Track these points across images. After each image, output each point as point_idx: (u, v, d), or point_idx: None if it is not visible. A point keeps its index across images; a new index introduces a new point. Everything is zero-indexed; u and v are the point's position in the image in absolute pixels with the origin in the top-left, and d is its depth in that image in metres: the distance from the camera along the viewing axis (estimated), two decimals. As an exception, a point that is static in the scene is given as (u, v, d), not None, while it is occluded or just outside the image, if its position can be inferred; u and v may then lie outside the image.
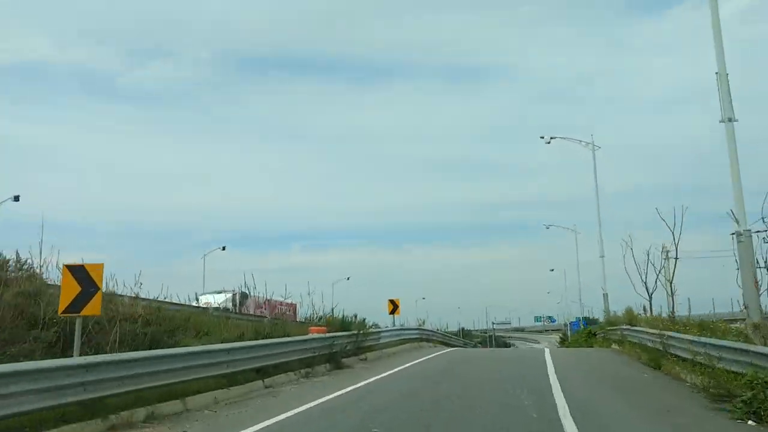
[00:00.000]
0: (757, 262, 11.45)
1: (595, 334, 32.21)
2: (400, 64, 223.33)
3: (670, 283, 18.57)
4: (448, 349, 26.81)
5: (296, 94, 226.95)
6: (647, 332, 17.30)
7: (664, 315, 18.95)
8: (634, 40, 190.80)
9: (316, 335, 16.19)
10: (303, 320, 20.95)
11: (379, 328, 23.25)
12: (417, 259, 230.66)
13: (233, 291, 23.87)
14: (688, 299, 20.16)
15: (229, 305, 23.15)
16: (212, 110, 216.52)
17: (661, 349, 14.59)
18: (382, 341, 21.42)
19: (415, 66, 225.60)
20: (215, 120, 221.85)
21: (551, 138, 36.53)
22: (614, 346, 23.30)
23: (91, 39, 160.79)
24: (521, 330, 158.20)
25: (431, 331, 32.50)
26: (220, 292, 25.76)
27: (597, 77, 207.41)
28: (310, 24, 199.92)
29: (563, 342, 65.26)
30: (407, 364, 17.13)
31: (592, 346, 29.36)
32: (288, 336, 15.02)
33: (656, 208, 19.55)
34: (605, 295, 35.58)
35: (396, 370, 15.67)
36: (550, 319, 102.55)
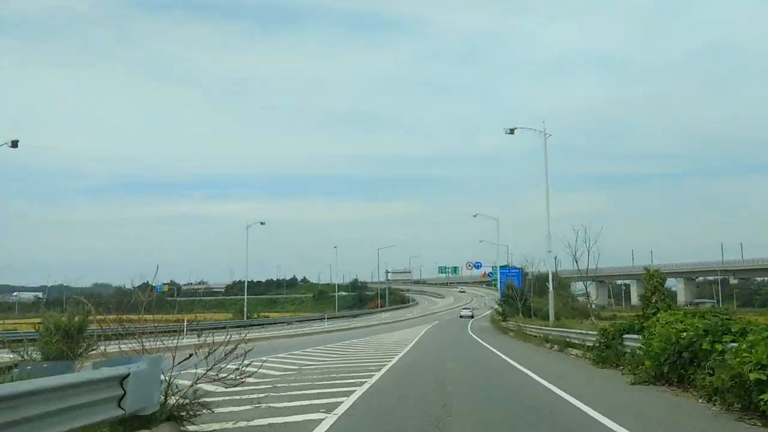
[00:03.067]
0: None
1: None
2: (305, 8, 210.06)
3: None
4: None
5: (193, 36, 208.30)
6: None
7: None
8: (530, 4, 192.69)
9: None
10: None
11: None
12: (317, 210, 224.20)
13: None
14: None
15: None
16: (99, 45, 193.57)
17: None
18: None
19: (320, 11, 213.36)
20: (101, 56, 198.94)
21: (512, 129, 37.48)
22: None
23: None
24: (422, 282, 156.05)
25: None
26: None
27: (494, 37, 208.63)
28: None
29: (503, 317, 46.46)
30: None
31: None
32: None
33: None
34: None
35: None
36: (475, 265, 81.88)
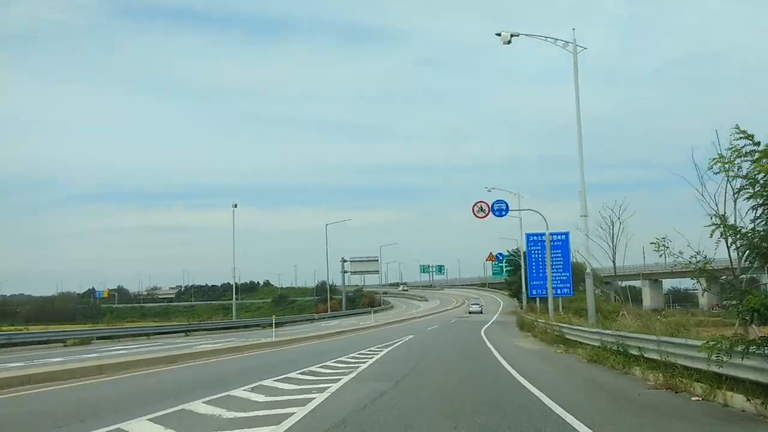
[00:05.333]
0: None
1: None
2: (291, 19, 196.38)
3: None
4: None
5: (178, 46, 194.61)
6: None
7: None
8: (517, 15, 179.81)
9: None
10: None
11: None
12: (298, 219, 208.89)
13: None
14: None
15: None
16: (86, 55, 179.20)
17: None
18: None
19: (306, 22, 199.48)
20: (87, 66, 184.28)
21: (512, 35, 23.25)
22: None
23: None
24: (403, 284, 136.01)
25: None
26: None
27: (480, 47, 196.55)
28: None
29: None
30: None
31: None
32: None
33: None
34: None
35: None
36: (495, 208, 30.33)
